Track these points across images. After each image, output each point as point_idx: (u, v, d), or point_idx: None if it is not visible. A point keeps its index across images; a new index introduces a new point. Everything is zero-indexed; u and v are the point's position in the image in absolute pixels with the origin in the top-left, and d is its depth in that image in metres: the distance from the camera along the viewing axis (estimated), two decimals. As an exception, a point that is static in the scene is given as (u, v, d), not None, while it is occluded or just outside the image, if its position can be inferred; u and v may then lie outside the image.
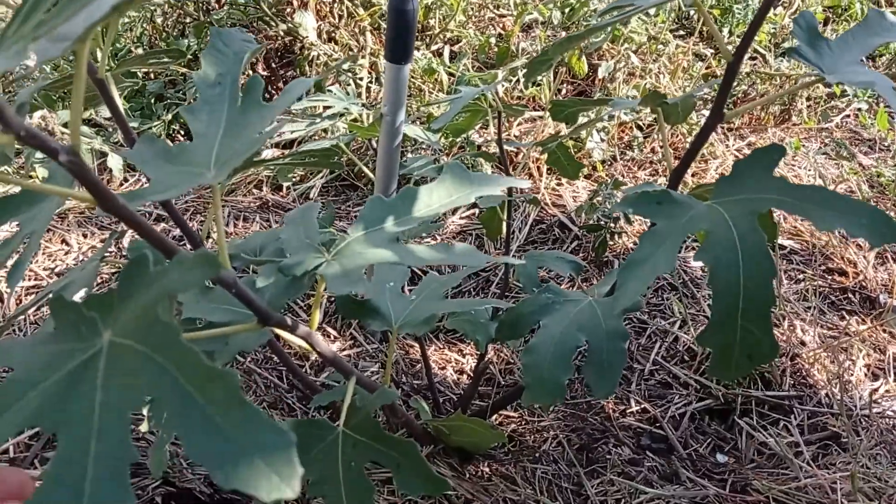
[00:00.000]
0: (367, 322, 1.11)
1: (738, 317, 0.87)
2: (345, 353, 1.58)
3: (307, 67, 2.19)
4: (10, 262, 0.85)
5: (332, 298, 1.66)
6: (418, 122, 1.84)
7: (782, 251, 1.88)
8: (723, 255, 0.88)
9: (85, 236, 1.72)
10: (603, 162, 2.15)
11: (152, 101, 2.04)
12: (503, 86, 2.11)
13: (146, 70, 2.13)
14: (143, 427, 1.04)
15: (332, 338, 1.60)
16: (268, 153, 1.85)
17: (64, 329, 0.58)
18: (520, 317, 1.12)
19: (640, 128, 2.26)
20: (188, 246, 1.17)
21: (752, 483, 1.30)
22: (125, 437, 0.50)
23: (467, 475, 1.32)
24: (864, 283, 1.81)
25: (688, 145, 1.14)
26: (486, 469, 1.34)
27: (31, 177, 1.74)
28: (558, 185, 2.05)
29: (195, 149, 0.82)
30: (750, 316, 0.87)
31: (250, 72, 2.12)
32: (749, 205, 0.92)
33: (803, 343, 1.61)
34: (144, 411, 1.07)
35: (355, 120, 1.51)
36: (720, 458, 1.39)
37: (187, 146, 0.82)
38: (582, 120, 1.35)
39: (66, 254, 1.67)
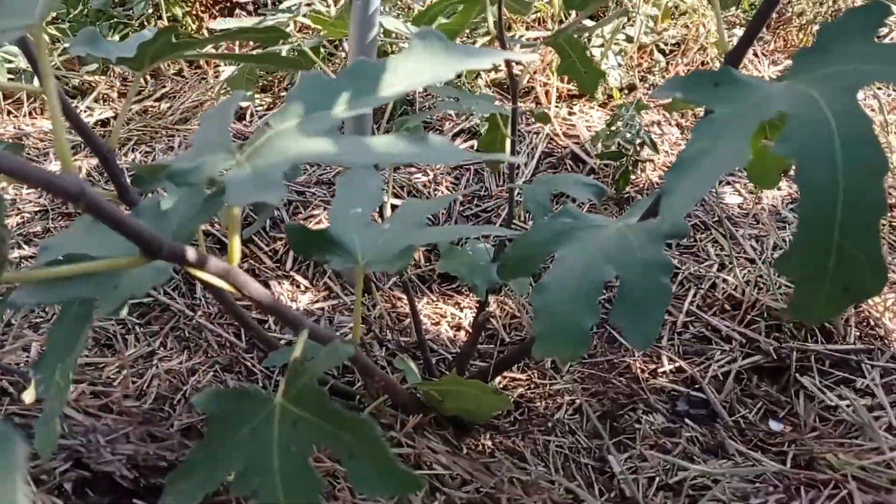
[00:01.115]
0: (325, 258, 0.85)
1: (834, 231, 0.61)
2: (317, 305, 1.32)
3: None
4: None
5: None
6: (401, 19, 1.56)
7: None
8: (812, 145, 0.62)
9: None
10: (620, 89, 1.87)
11: (95, 20, 1.76)
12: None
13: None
14: (28, 397, 0.80)
15: (303, 288, 1.35)
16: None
17: None
18: (529, 248, 0.86)
19: (661, 51, 1.98)
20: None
21: (821, 457, 1.04)
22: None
23: (465, 450, 1.07)
24: (931, 220, 1.54)
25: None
26: (488, 442, 1.09)
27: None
28: (570, 113, 1.77)
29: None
30: (851, 229, 0.61)
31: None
32: (844, 79, 0.66)
33: (865, 289, 1.35)
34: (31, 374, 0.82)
35: (319, 14, 1.24)
36: (774, 425, 1.14)
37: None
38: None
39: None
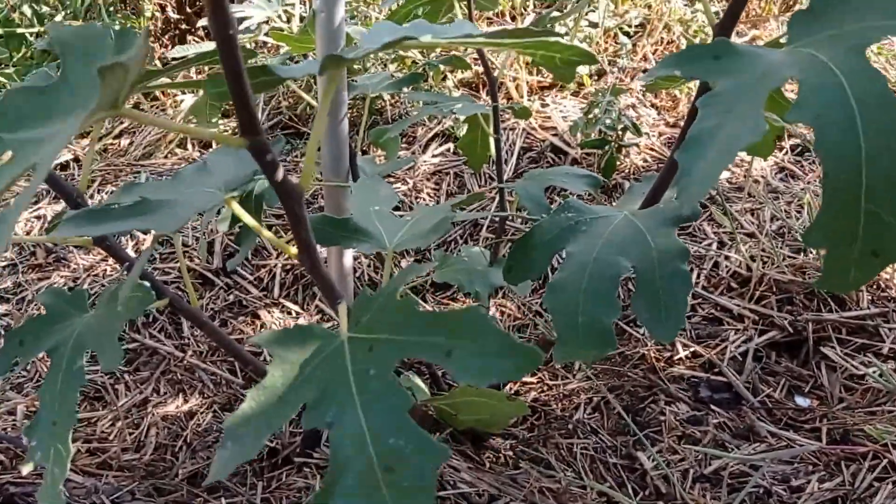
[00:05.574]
0: (353, 245, 0.82)
1: (861, 197, 0.57)
2: (312, 330, 1.26)
3: None
4: None
5: (288, 267, 1.35)
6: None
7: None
8: (828, 111, 0.58)
9: None
10: (591, 76, 1.83)
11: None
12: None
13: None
14: (26, 468, 0.74)
15: (294, 314, 1.29)
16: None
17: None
18: (535, 247, 0.82)
19: (626, 34, 1.95)
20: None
21: (856, 428, 1.01)
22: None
23: (487, 465, 1.02)
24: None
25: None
26: (510, 453, 1.04)
27: None
28: (544, 105, 1.73)
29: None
30: (878, 194, 0.57)
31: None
32: (849, 39, 0.62)
33: (867, 250, 1.32)
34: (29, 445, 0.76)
35: (280, 30, 1.19)
36: (801, 401, 1.10)
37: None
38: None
39: None
